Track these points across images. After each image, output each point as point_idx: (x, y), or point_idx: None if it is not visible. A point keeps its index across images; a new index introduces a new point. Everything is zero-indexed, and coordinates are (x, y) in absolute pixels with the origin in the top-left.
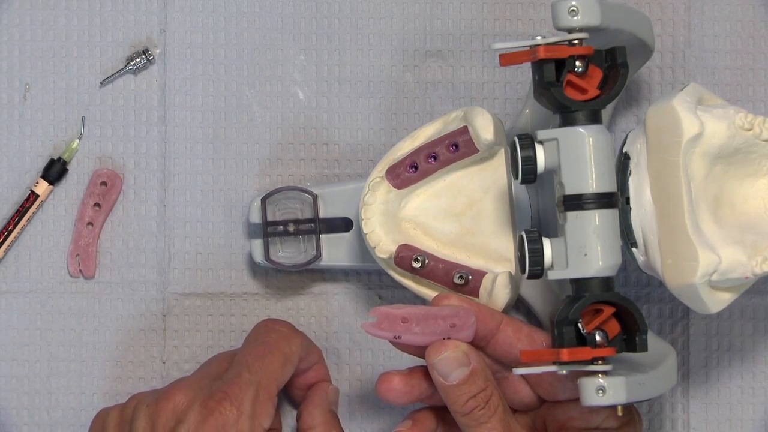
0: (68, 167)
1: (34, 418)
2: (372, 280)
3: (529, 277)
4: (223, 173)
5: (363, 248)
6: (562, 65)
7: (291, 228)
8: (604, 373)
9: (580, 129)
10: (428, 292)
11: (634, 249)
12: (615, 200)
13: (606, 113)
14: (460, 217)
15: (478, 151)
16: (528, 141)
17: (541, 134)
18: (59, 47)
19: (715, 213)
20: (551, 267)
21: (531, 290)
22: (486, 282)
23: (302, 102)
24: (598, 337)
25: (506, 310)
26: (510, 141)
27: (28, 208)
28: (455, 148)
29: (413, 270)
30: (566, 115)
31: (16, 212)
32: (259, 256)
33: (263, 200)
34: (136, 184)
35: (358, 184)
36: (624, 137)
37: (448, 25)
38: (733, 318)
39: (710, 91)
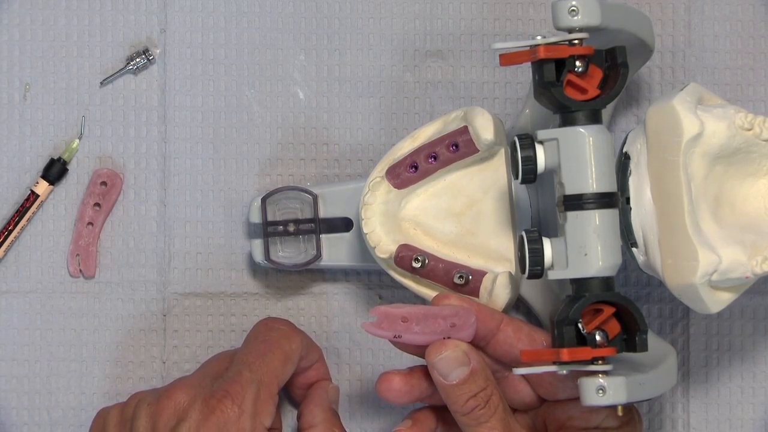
0: (68, 167)
1: (34, 418)
2: (372, 280)
3: (529, 277)
4: (223, 173)
5: (363, 248)
6: (562, 65)
7: (291, 228)
8: (604, 373)
9: (580, 129)
10: (428, 292)
11: (634, 249)
12: (615, 200)
13: (606, 113)
14: (460, 217)
15: (478, 151)
16: (528, 141)
17: (541, 134)
18: (59, 47)
19: (715, 213)
20: (551, 267)
21: (531, 290)
22: (486, 282)
23: (302, 102)
24: (598, 337)
25: (506, 310)
26: (510, 141)
27: (28, 208)
28: (455, 148)
29: (413, 270)
30: (566, 115)
31: (16, 212)
32: (259, 256)
33: (263, 200)
34: (136, 184)
35: (358, 184)
36: (624, 137)
37: (448, 25)
38: (733, 318)
39: (710, 91)
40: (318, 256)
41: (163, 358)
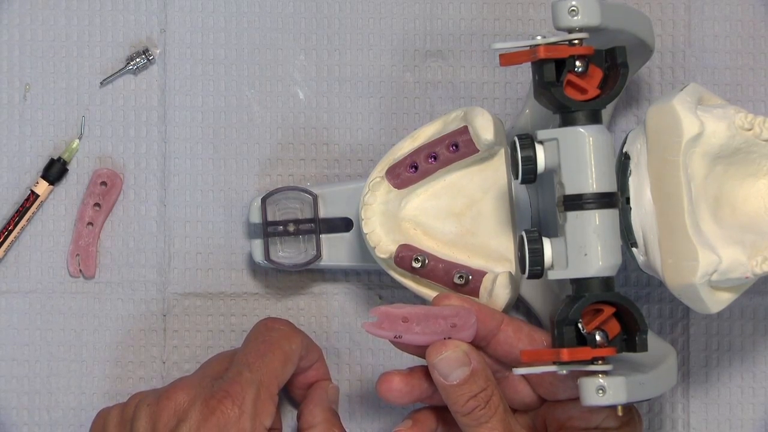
0: (68, 167)
1: (34, 418)
2: (372, 280)
3: (529, 277)
4: (223, 173)
5: (363, 248)
6: (562, 65)
7: (291, 228)
8: (604, 373)
9: (580, 129)
10: (428, 292)
11: (634, 249)
12: (615, 200)
13: (606, 113)
14: (460, 217)
15: (478, 151)
16: (528, 141)
17: (541, 134)
18: (59, 47)
19: (715, 213)
20: (551, 267)
21: (531, 290)
22: (486, 282)
23: (302, 102)
24: (598, 337)
25: (506, 310)
26: (510, 141)
27: (28, 208)
28: (455, 148)
29: (413, 270)
30: (566, 115)
31: (16, 212)
32: (259, 256)
33: (263, 200)
34: (136, 184)
35: (358, 184)
36: (624, 137)
37: (448, 25)
38: (733, 318)
39: (710, 91)
40: (318, 256)
41: (163, 358)
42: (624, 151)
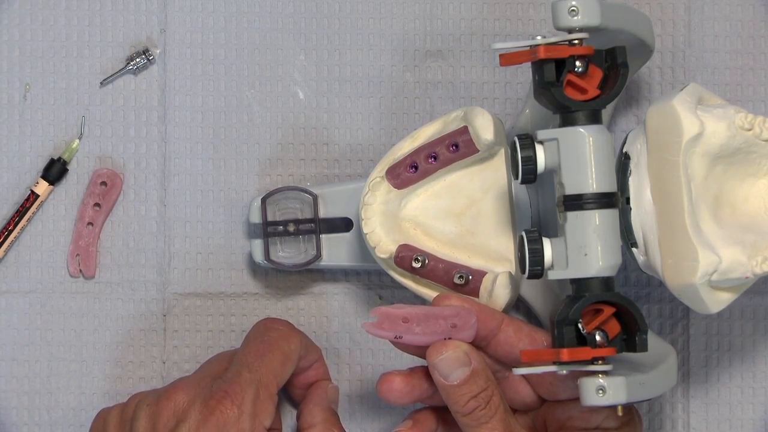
0: (68, 167)
1: (34, 418)
2: (372, 280)
3: (529, 277)
4: (223, 173)
5: (363, 248)
6: (562, 65)
7: (291, 228)
8: (604, 373)
9: (580, 129)
10: (428, 292)
11: (634, 249)
12: (615, 200)
13: (606, 113)
14: (460, 217)
15: (478, 151)
16: (528, 141)
17: (541, 134)
18: (59, 47)
19: (715, 213)
20: (551, 267)
21: (531, 290)
22: (486, 282)
23: (302, 102)
24: (598, 337)
25: (506, 310)
26: (510, 141)
27: (28, 208)
28: (455, 148)
29: (413, 270)
30: (566, 115)
31: (16, 212)
32: (259, 256)
33: (263, 200)
34: (136, 184)
35: (358, 184)
36: (624, 137)
37: (448, 25)
38: (733, 318)
39: (710, 91)
40: (318, 256)
41: (163, 358)
42: (624, 151)
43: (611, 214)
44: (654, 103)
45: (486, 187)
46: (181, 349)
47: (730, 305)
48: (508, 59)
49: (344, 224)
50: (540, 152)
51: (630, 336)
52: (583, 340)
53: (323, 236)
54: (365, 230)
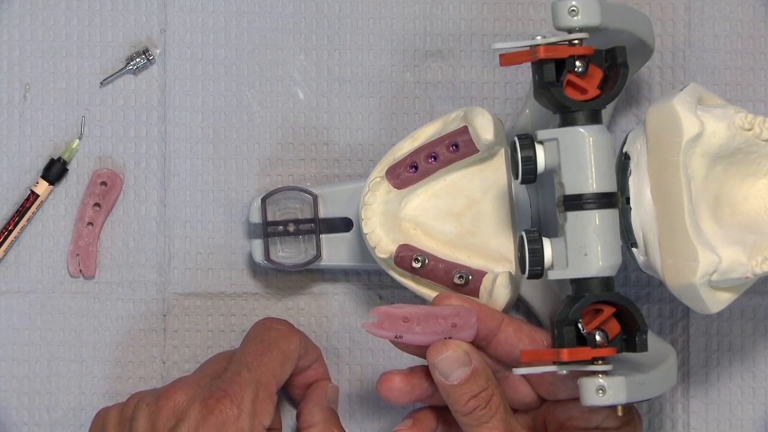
0: (68, 167)
1: (34, 418)
2: (372, 280)
3: (529, 277)
4: (223, 173)
5: (363, 248)
6: (562, 65)
7: (291, 228)
8: (604, 373)
9: (580, 129)
10: (428, 292)
11: (634, 249)
12: (615, 200)
13: (606, 113)
14: (460, 217)
15: (478, 151)
16: (528, 141)
17: (541, 134)
18: (59, 47)
19: (715, 213)
20: (551, 267)
21: (531, 290)
22: (486, 282)
23: (302, 102)
24: (598, 337)
25: (506, 310)
26: (510, 141)
27: (28, 208)
28: (455, 148)
29: (413, 270)
30: (566, 115)
31: (16, 212)
32: (259, 256)
33: (263, 200)
34: (136, 184)
35: (358, 184)
36: (624, 137)
37: (448, 25)
38: (733, 318)
39: (710, 91)
40: (318, 256)
41: (163, 358)
42: (624, 151)
43: (611, 214)
44: (654, 103)
45: (486, 187)
46: (181, 349)
47: (730, 305)
48: (508, 59)
49: (344, 224)
50: (540, 152)
51: (630, 336)
52: (583, 340)
53: (323, 236)
54: (365, 230)
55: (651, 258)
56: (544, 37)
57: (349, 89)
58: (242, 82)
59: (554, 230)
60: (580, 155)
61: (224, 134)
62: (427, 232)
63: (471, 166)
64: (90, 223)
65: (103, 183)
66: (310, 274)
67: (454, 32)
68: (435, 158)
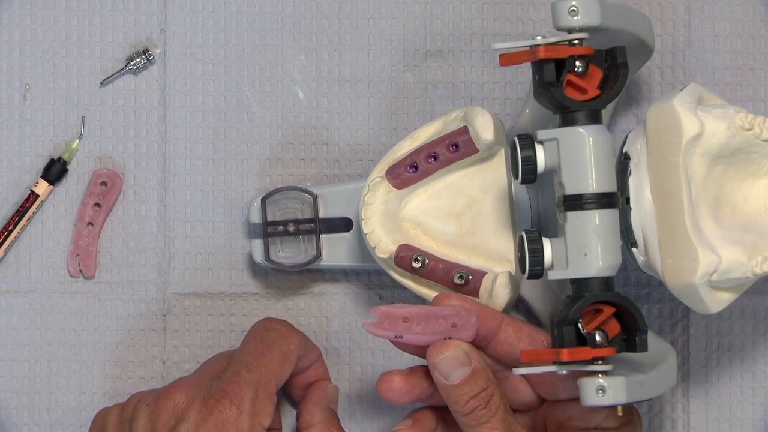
0: (68, 167)
1: (34, 418)
2: (372, 280)
3: (529, 277)
4: (223, 173)
5: (363, 248)
6: (562, 65)
7: (291, 228)
8: (604, 373)
9: (580, 129)
10: (428, 292)
11: (634, 249)
12: (615, 200)
13: (606, 113)
14: (460, 217)
15: (478, 151)
16: (528, 141)
17: (541, 134)
18: (59, 47)
19: (715, 213)
20: (551, 267)
21: (531, 290)
22: (486, 282)
23: (302, 102)
24: (598, 337)
25: (506, 310)
26: (510, 141)
27: (28, 208)
28: (455, 148)
29: (413, 270)
30: (566, 115)
31: (16, 212)
32: (259, 256)
33: (263, 200)
34: (136, 184)
35: (358, 184)
36: (624, 137)
37: (448, 25)
38: (733, 318)
39: (710, 91)
40: (318, 256)
41: (163, 358)
42: (624, 151)
43: (611, 214)
44: (654, 103)
45: (486, 187)
46: (181, 349)
47: (730, 305)
48: (508, 59)
49: (344, 224)
50: (540, 152)
51: (630, 336)
52: (583, 340)
53: (323, 236)
54: (365, 230)
55: (651, 258)
56: (544, 37)
57: (349, 89)
58: (242, 82)
59: (554, 230)
60: (580, 155)
61: (224, 134)
62: (427, 232)
63: (471, 166)
64: (90, 223)
65: (103, 183)
66: (310, 274)
67: (454, 32)
68: (435, 158)
